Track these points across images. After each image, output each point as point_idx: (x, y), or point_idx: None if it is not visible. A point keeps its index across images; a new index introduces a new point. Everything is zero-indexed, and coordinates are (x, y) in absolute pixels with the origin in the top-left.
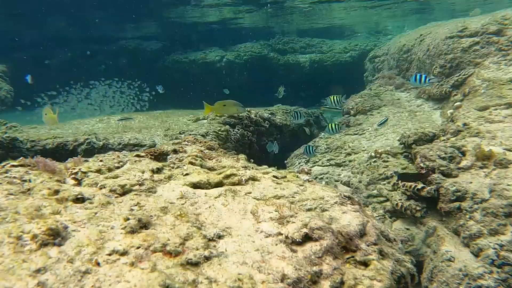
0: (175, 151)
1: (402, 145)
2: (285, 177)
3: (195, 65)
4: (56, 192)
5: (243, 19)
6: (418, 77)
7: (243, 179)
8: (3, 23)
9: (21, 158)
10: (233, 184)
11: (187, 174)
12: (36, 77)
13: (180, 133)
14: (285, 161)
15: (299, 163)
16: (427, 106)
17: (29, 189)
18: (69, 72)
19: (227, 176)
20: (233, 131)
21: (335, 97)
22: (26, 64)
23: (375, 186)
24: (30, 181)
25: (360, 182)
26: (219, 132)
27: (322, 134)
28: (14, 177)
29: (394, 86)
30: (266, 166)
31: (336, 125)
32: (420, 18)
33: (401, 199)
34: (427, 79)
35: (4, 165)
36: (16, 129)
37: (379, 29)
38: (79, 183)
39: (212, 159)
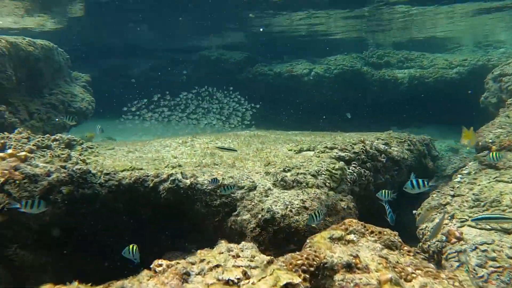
0: (348, 267)
1: None
2: None
3: (281, 78)
4: None
5: (335, 28)
6: (415, 182)
7: None
8: (89, 32)
9: None
10: None
11: None
12: (120, 86)
13: (284, 171)
14: (414, 211)
15: (439, 220)
16: None
17: None
18: (150, 81)
19: None
20: (349, 169)
21: None
22: (110, 72)
23: None
24: None
25: None
26: (333, 172)
27: (460, 176)
28: None
29: None
30: None
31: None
32: None
33: None
34: (427, 183)
35: None
36: (92, 151)
37: (488, 41)
38: None
39: (410, 280)
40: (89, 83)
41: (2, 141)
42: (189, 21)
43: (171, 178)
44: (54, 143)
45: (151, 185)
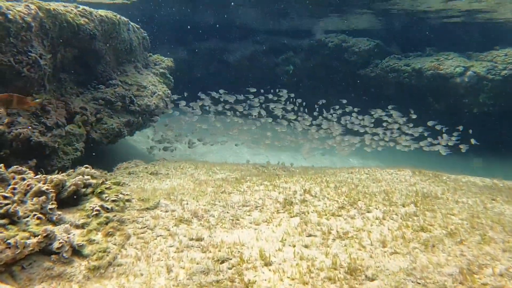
0: None
1: None
2: None
3: (421, 77)
4: None
5: (504, 9)
6: None
7: None
8: (178, 6)
9: None
10: None
11: None
12: (214, 73)
13: None
14: None
15: None
16: None
17: None
18: (248, 70)
19: None
20: None
21: None
22: (204, 56)
23: None
24: None
25: None
26: None
27: None
28: None
29: None
30: None
31: None
32: None
33: None
34: None
35: None
36: (109, 217)
37: None
38: None
39: None
40: (170, 70)
41: None
42: None
43: None
44: (34, 203)
45: None
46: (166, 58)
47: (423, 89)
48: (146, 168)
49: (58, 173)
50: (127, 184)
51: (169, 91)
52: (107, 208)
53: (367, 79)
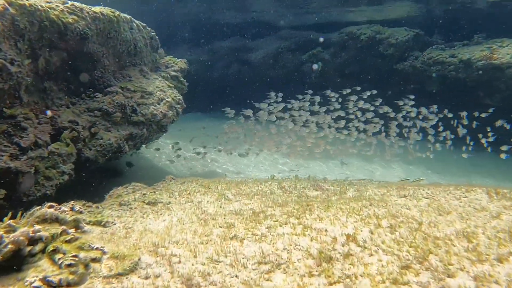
0: None
1: None
2: None
3: (469, 69)
4: None
5: None
6: None
7: None
8: (197, 4)
9: None
10: None
11: None
12: (235, 74)
13: None
14: None
15: None
16: None
17: None
18: (272, 69)
19: None
20: None
21: None
22: (224, 56)
23: None
24: None
25: None
26: None
27: None
28: None
29: None
30: None
31: None
32: None
33: None
34: None
35: None
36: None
37: None
38: None
39: None
40: (183, 72)
41: None
42: None
43: None
44: None
45: None
46: (179, 60)
47: (472, 83)
48: (144, 194)
49: (13, 216)
50: (112, 222)
51: (181, 97)
52: (53, 284)
53: (405, 74)
